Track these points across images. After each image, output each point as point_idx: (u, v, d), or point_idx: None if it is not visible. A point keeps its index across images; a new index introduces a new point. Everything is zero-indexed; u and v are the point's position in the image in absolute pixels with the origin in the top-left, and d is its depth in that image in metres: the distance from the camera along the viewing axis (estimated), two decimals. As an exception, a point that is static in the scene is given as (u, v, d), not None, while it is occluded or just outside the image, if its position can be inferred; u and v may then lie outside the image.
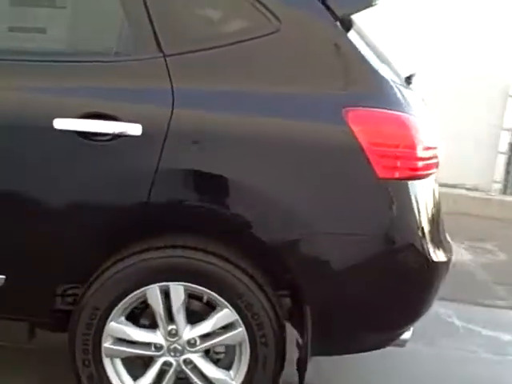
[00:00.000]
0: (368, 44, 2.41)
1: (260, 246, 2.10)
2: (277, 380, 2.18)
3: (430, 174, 2.24)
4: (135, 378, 2.23)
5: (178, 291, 2.11)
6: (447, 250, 2.35)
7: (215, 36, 2.16)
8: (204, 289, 2.11)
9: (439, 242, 2.29)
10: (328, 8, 2.12)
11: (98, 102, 2.06)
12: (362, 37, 2.40)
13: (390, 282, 2.16)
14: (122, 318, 2.16)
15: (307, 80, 2.12)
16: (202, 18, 2.22)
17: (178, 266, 2.11)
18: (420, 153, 2.13)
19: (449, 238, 2.56)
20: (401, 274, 2.16)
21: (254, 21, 2.15)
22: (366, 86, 2.15)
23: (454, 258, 2.40)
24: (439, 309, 3.73)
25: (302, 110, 2.10)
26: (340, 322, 2.17)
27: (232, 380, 2.18)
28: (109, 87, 2.09)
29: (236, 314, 2.11)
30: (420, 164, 2.15)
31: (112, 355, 2.19)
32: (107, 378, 2.19)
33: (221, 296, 2.11)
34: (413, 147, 2.11)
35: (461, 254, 4.71)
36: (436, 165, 2.27)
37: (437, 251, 2.22)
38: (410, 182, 2.13)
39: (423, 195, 2.21)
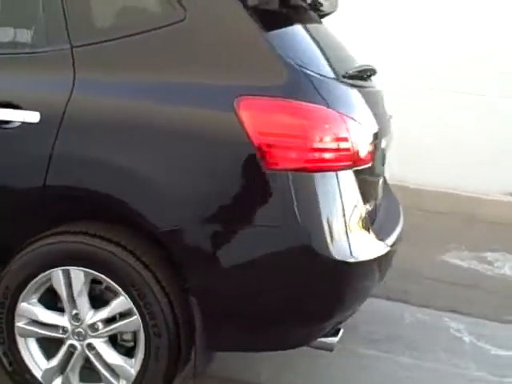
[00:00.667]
0: (300, 34, 2.34)
1: (153, 234, 2.10)
2: (171, 372, 2.15)
3: (342, 166, 2.11)
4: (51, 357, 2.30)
5: (77, 276, 2.15)
6: (372, 249, 2.20)
7: (122, 26, 2.19)
8: (101, 275, 2.14)
9: (357, 240, 2.15)
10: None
11: (5, 93, 2.18)
12: (293, 26, 2.33)
13: (278, 278, 2.06)
14: (35, 300, 2.25)
15: (209, 69, 2.09)
16: (110, 9, 2.26)
17: (76, 252, 2.15)
18: (319, 144, 2.02)
19: (391, 238, 2.40)
20: (290, 270, 2.04)
21: (160, 10, 2.17)
22: (270, 75, 2.07)
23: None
24: (451, 323, 3.50)
25: (196, 99, 2.06)
26: (229, 317, 2.10)
27: (131, 368, 2.19)
28: (16, 78, 2.20)
29: (130, 302, 2.12)
30: (319, 155, 2.03)
31: (25, 335, 2.27)
32: (20, 356, 2.28)
33: (116, 283, 2.12)
34: (306, 138, 2.01)
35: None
36: (356, 159, 2.14)
37: (346, 249, 2.09)
38: (307, 174, 2.02)
39: (332, 189, 2.08)
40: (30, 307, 2.23)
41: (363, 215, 2.22)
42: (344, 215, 2.10)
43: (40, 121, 2.11)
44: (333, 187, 2.09)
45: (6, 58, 2.24)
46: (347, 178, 2.15)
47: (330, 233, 2.04)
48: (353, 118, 2.16)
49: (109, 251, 2.11)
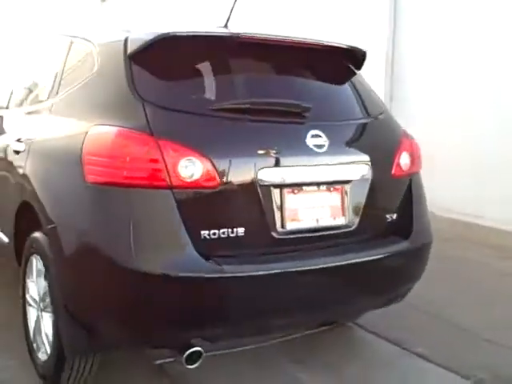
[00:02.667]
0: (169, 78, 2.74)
1: None
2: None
3: (156, 185, 2.41)
4: None
5: None
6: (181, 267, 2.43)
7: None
8: None
9: (168, 251, 2.42)
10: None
11: None
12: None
13: (88, 281, 2.51)
14: None
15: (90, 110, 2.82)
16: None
17: None
18: (127, 163, 2.40)
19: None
20: (98, 276, 2.46)
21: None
22: (122, 112, 2.59)
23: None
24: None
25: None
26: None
27: None
28: None
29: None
30: (127, 173, 2.39)
31: None
32: None
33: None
34: (116, 156, 2.41)
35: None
36: (175, 180, 2.44)
37: (152, 260, 2.37)
38: (117, 189, 2.40)
39: (141, 205, 2.39)
40: None
41: (179, 234, 2.43)
42: (150, 231, 2.41)
43: None
44: (141, 203, 2.40)
45: None
46: (161, 196, 2.42)
47: (150, 245, 2.39)
48: (183, 144, 2.46)
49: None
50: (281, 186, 2.69)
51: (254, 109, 2.74)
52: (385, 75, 7.47)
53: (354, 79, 3.23)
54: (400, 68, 7.46)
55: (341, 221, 2.86)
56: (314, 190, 2.80)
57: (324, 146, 2.78)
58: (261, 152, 2.66)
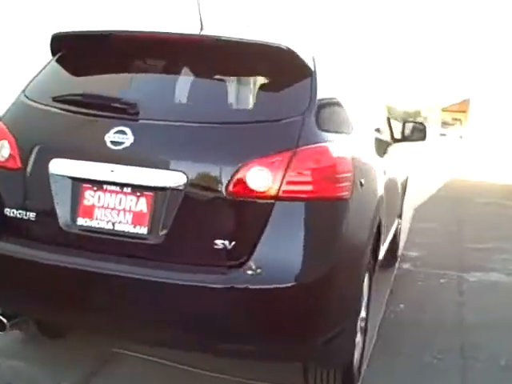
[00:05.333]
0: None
1: None
2: None
3: None
4: None
5: None
6: None
7: None
8: None
9: None
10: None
11: None
12: None
13: None
14: None
15: None
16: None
17: None
18: None
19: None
20: None
21: None
22: None
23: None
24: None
25: None
26: None
27: None
28: None
29: None
30: None
31: None
32: None
33: None
34: None
35: None
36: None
37: None
38: None
39: None
40: None
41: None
42: None
43: None
44: None
45: None
46: None
47: None
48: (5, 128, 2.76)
49: None
50: (77, 180, 2.61)
51: (83, 101, 2.73)
52: None
53: (257, 78, 2.70)
54: None
55: (142, 231, 2.54)
56: (115, 190, 2.57)
57: (122, 143, 2.53)
58: (55, 142, 2.69)
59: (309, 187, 2.52)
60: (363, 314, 3.30)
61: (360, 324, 3.23)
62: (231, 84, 2.80)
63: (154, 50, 2.81)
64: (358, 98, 3.72)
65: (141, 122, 2.62)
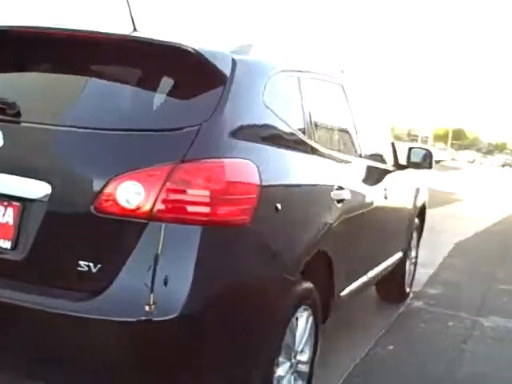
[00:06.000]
0: None
1: None
2: None
3: None
4: None
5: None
6: None
7: None
8: None
9: None
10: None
11: None
12: None
13: None
14: None
15: None
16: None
17: None
18: None
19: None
20: None
21: None
22: None
23: None
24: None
25: None
26: None
27: None
28: None
29: None
30: None
31: None
32: None
33: None
34: None
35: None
36: None
37: None
38: None
39: None
40: None
41: None
42: None
43: None
44: None
45: None
46: None
47: None
48: None
49: None
50: None
51: None
52: None
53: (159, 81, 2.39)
54: None
55: (6, 245, 2.24)
56: None
57: None
58: None
59: (191, 208, 2.16)
60: (302, 357, 2.88)
61: (296, 368, 2.82)
62: (123, 87, 2.47)
63: (41, 46, 2.51)
64: (324, 117, 3.29)
65: (15, 124, 2.32)
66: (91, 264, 2.13)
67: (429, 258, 7.07)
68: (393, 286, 5.08)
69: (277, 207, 2.42)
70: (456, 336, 4.56)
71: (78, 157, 2.26)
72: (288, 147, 2.70)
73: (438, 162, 41.04)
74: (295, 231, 2.63)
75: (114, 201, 2.13)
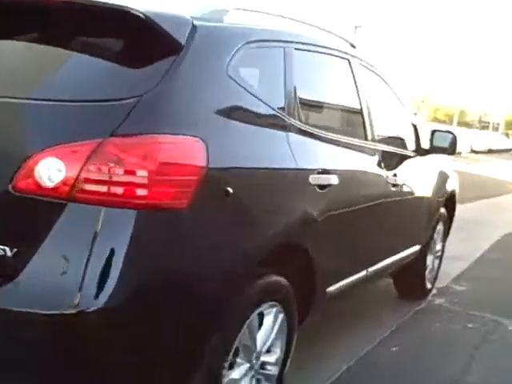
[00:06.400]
0: None
1: None
2: None
3: None
4: None
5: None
6: None
7: None
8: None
9: None
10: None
11: None
12: None
13: None
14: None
15: None
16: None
17: None
18: None
19: None
20: None
21: None
22: None
23: None
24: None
25: None
26: None
27: None
28: None
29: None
30: None
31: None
32: None
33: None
34: None
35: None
36: None
37: None
38: None
39: None
40: None
41: None
42: None
43: None
44: None
45: None
46: None
47: None
48: None
49: None
50: None
51: None
52: None
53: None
54: None
55: None
56: None
57: None
58: None
59: (117, 189, 1.93)
60: (269, 358, 2.63)
61: (262, 370, 2.59)
62: (61, 53, 2.24)
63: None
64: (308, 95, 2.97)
65: None
66: (7, 248, 1.95)
67: (466, 251, 6.65)
68: (411, 282, 4.74)
69: (227, 191, 2.16)
70: (472, 339, 4.19)
71: (4, 129, 2.06)
72: (254, 124, 2.43)
73: (508, 150, 39.22)
74: (253, 219, 2.36)
75: (34, 178, 1.93)
